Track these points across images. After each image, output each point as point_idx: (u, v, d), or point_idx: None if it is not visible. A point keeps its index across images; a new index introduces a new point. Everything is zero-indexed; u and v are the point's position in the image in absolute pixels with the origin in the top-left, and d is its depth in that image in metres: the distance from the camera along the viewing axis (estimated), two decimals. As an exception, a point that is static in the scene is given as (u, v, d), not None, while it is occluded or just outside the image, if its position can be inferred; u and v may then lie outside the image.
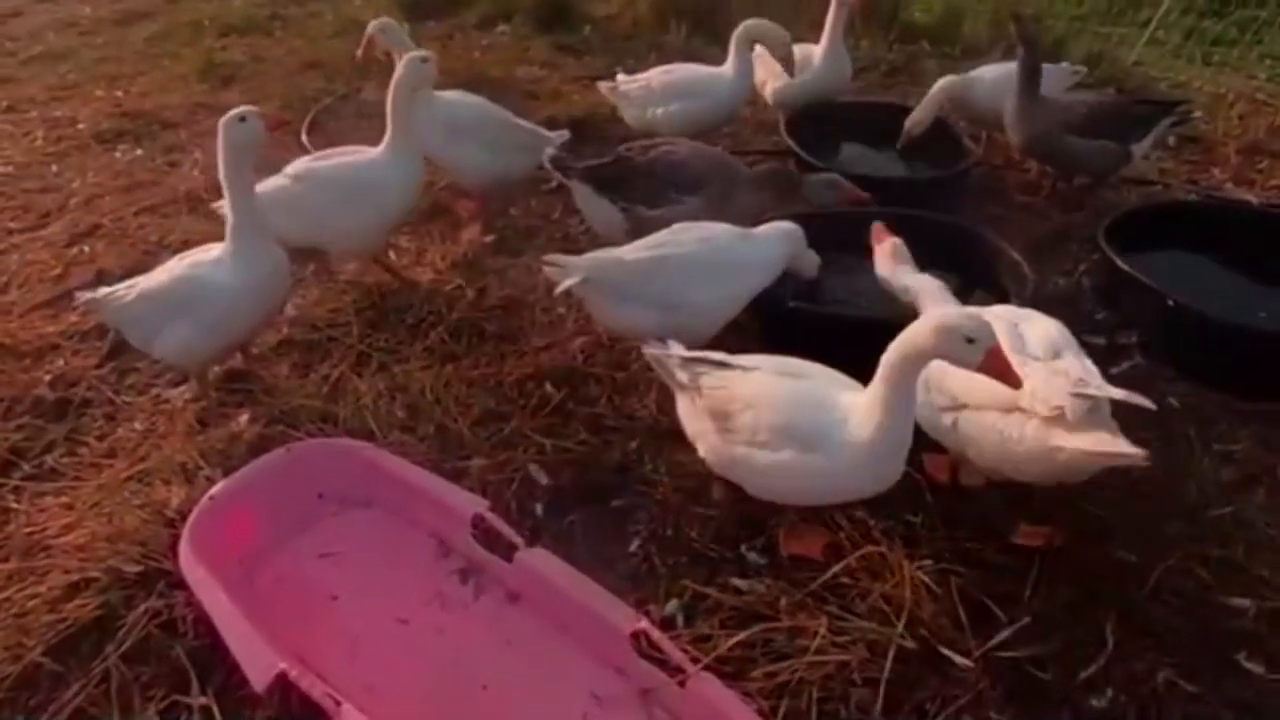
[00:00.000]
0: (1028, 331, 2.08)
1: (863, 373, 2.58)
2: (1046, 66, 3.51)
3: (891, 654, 1.85)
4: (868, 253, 2.64)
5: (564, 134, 3.52)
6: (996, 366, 1.79)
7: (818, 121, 3.87)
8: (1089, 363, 1.99)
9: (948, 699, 1.80)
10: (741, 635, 1.90)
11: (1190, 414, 2.52)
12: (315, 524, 2.24)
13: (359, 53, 3.90)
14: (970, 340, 1.78)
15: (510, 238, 3.52)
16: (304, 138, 4.43)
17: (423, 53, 2.98)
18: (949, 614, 1.93)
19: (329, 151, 3.16)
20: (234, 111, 2.50)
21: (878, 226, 2.57)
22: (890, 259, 2.47)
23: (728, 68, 3.77)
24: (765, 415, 1.96)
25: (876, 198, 3.04)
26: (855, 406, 1.92)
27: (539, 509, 2.30)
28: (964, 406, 2.05)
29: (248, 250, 2.49)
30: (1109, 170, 3.50)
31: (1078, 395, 1.84)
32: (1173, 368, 2.67)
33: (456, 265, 3.33)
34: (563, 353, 2.82)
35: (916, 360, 1.85)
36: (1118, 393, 1.87)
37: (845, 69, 4.14)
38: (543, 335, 2.94)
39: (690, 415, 2.16)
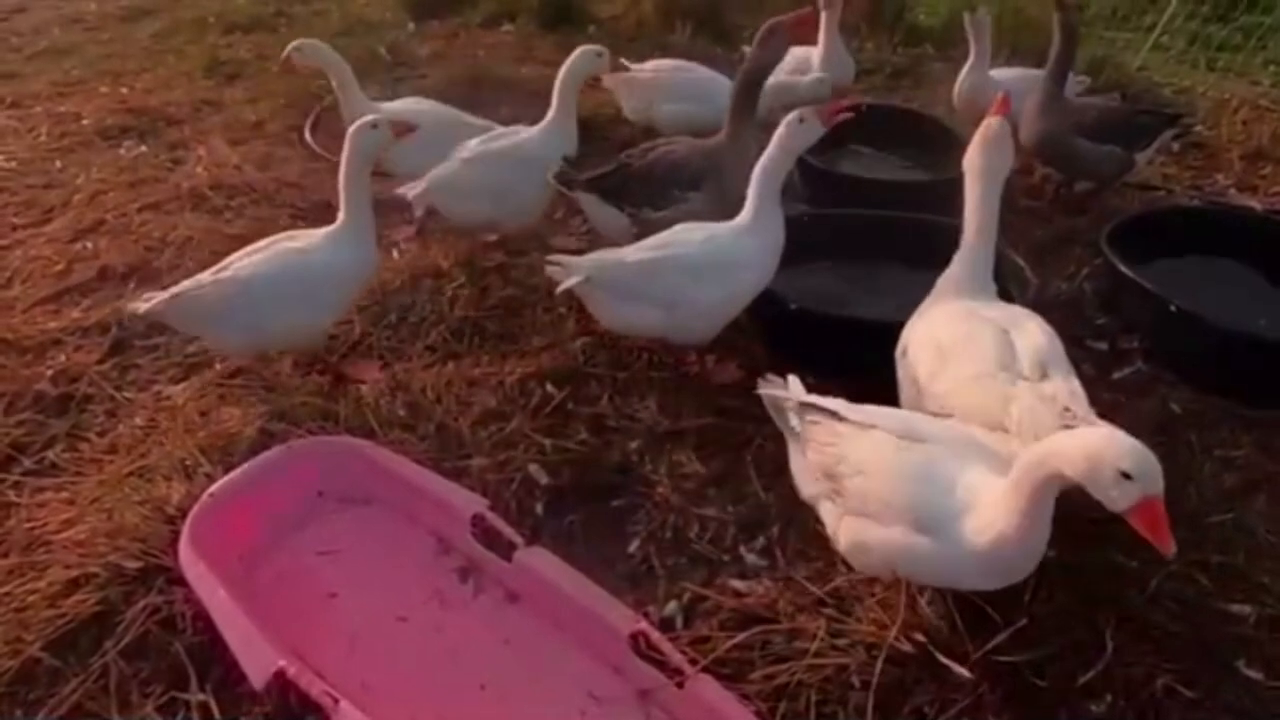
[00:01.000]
0: (1018, 341, 2.03)
1: (869, 374, 2.61)
2: (1040, 74, 3.53)
3: (889, 657, 1.85)
4: (875, 257, 2.65)
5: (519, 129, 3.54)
6: (1149, 521, 1.52)
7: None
8: (1076, 384, 1.94)
9: (945, 703, 1.79)
10: (740, 637, 1.90)
11: (1192, 420, 2.52)
12: (315, 521, 2.25)
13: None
14: (1127, 477, 1.50)
15: (513, 237, 3.52)
16: (308, 136, 4.44)
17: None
18: (947, 618, 1.92)
19: (496, 133, 3.34)
20: (365, 119, 2.67)
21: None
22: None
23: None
24: (875, 485, 1.75)
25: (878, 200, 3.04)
26: (983, 494, 1.67)
27: (539, 508, 2.30)
28: (950, 415, 2.02)
29: (356, 240, 2.66)
30: (1113, 176, 3.51)
31: (1064, 426, 1.79)
32: (1174, 373, 2.66)
33: (459, 263, 3.33)
34: (564, 353, 2.82)
35: (1057, 481, 1.60)
36: (1104, 426, 1.80)
37: (846, 71, 4.14)
38: (544, 335, 2.94)
39: (800, 469, 1.96)
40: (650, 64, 3.99)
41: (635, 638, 1.83)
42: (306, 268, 2.55)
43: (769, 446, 2.44)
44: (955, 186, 3.50)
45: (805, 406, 1.92)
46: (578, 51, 2.96)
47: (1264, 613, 1.95)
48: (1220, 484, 2.32)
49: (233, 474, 2.18)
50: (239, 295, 2.49)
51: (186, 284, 2.53)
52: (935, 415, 2.06)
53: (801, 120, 2.46)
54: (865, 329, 2.64)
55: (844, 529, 1.85)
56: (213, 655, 1.91)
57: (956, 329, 2.10)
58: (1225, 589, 2.02)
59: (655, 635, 1.84)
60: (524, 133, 3.20)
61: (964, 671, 1.82)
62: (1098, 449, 1.53)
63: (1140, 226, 3.06)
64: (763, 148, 2.58)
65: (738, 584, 2.06)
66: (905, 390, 2.18)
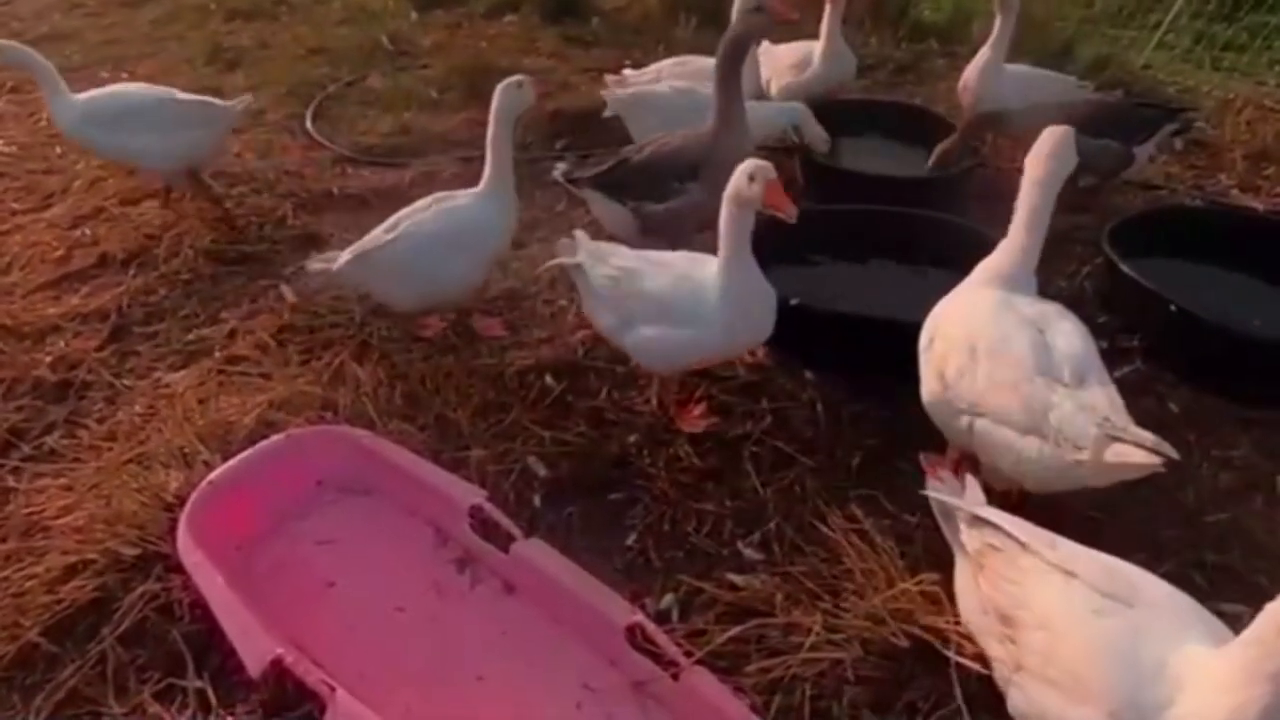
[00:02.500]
0: (1056, 344, 1.95)
1: (867, 374, 2.62)
2: (1050, 74, 3.52)
3: (885, 652, 1.86)
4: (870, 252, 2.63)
5: (246, 99, 3.56)
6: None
7: (823, 119, 3.86)
8: (1114, 391, 1.87)
9: (940, 698, 1.80)
10: (736, 630, 1.91)
11: (1190, 419, 2.52)
12: (313, 511, 2.25)
13: None
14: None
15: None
16: (309, 125, 4.43)
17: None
18: (943, 613, 1.93)
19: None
20: (511, 79, 2.73)
21: None
22: None
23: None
24: (1063, 650, 1.44)
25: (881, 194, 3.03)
26: (1198, 671, 1.37)
27: (537, 500, 2.30)
28: (982, 415, 1.99)
29: (504, 196, 2.77)
30: (1111, 170, 3.49)
31: (1106, 435, 1.75)
32: (1173, 373, 2.66)
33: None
34: (564, 345, 2.82)
35: None
36: (1146, 436, 1.74)
37: (848, 66, 4.12)
38: (544, 328, 2.94)
39: (967, 591, 1.67)
40: (652, 68, 3.94)
41: (632, 630, 1.84)
42: (470, 224, 2.69)
43: (767, 443, 2.45)
44: (957, 183, 3.54)
45: (982, 522, 1.63)
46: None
47: (1259, 612, 1.95)
48: (1217, 484, 2.33)
49: (231, 462, 2.18)
50: (413, 252, 2.63)
51: (365, 243, 2.67)
52: (962, 413, 2.03)
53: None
54: (865, 325, 2.64)
55: (1020, 688, 1.55)
56: (210, 643, 1.92)
57: (991, 327, 2.01)
58: (1221, 588, 2.02)
59: (651, 627, 1.84)
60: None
61: (970, 663, 1.82)
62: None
63: (1142, 225, 3.05)
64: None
65: (734, 578, 2.07)
66: (929, 385, 2.12)
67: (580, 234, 2.56)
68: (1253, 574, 2.04)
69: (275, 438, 2.27)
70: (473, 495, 2.13)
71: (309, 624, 1.97)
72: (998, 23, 3.77)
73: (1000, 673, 1.60)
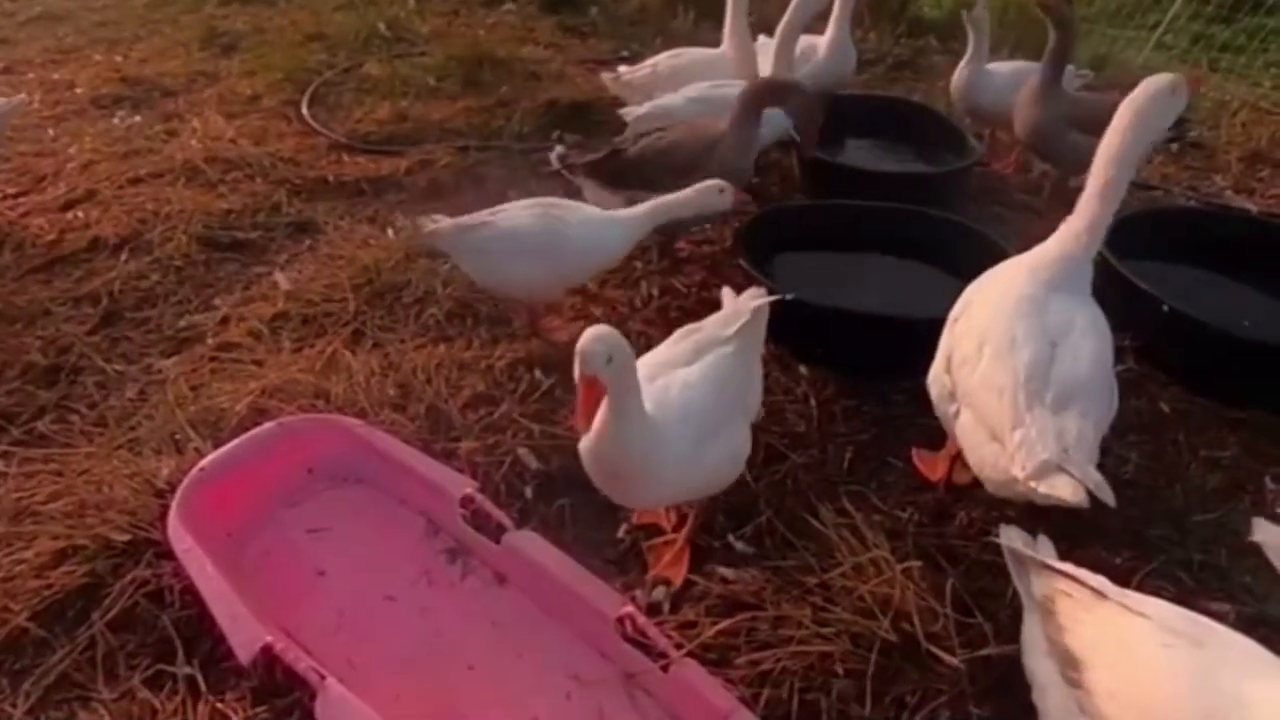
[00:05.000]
0: (1061, 361, 1.88)
1: (866, 370, 2.62)
2: (1036, 65, 3.51)
3: (874, 647, 1.86)
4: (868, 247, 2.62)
5: (20, 99, 3.49)
6: None
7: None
8: (1091, 425, 1.82)
9: (928, 693, 1.81)
10: (726, 623, 1.92)
11: (1180, 419, 2.54)
12: (305, 499, 2.24)
13: None
14: None
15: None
16: (304, 111, 4.40)
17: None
18: (933, 609, 1.94)
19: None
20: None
21: None
22: None
23: (725, 48, 3.78)
24: (1132, 686, 1.39)
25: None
26: (1275, 707, 1.30)
27: (529, 492, 2.30)
28: (968, 408, 2.00)
29: (622, 223, 2.73)
30: None
31: (1059, 469, 1.74)
32: (1165, 373, 2.68)
33: (454, 245, 3.32)
34: (550, 343, 2.82)
35: None
36: (1093, 479, 1.73)
37: (850, 61, 4.12)
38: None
39: (1033, 641, 1.61)
40: (648, 62, 3.93)
41: (622, 621, 1.84)
42: (556, 236, 2.63)
43: (759, 436, 2.45)
44: (954, 179, 3.54)
45: (1054, 571, 1.60)
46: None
47: (1243, 611, 1.97)
48: (1206, 484, 2.34)
49: (223, 449, 2.17)
50: (496, 238, 2.62)
51: (463, 219, 2.67)
52: (954, 400, 2.03)
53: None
54: (861, 321, 2.64)
55: None
56: (200, 629, 1.92)
57: (1006, 326, 1.95)
58: (1207, 588, 2.04)
59: (642, 619, 1.85)
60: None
61: (953, 660, 1.84)
62: None
63: (1137, 225, 3.06)
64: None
65: (725, 571, 2.07)
66: (938, 361, 2.11)
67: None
68: (1238, 574, 2.06)
69: (267, 425, 2.26)
70: (464, 486, 2.13)
71: (299, 612, 1.97)
72: (970, 39, 3.78)
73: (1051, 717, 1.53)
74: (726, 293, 2.27)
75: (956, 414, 2.04)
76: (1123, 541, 2.15)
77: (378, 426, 2.35)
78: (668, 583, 2.04)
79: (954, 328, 2.11)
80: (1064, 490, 1.75)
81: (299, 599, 2.01)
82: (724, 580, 2.05)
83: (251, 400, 2.50)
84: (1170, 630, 1.41)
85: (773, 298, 2.11)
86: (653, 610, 1.98)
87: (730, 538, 2.17)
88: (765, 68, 4.00)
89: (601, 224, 2.69)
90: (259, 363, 2.71)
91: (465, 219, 2.67)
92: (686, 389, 1.92)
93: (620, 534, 2.20)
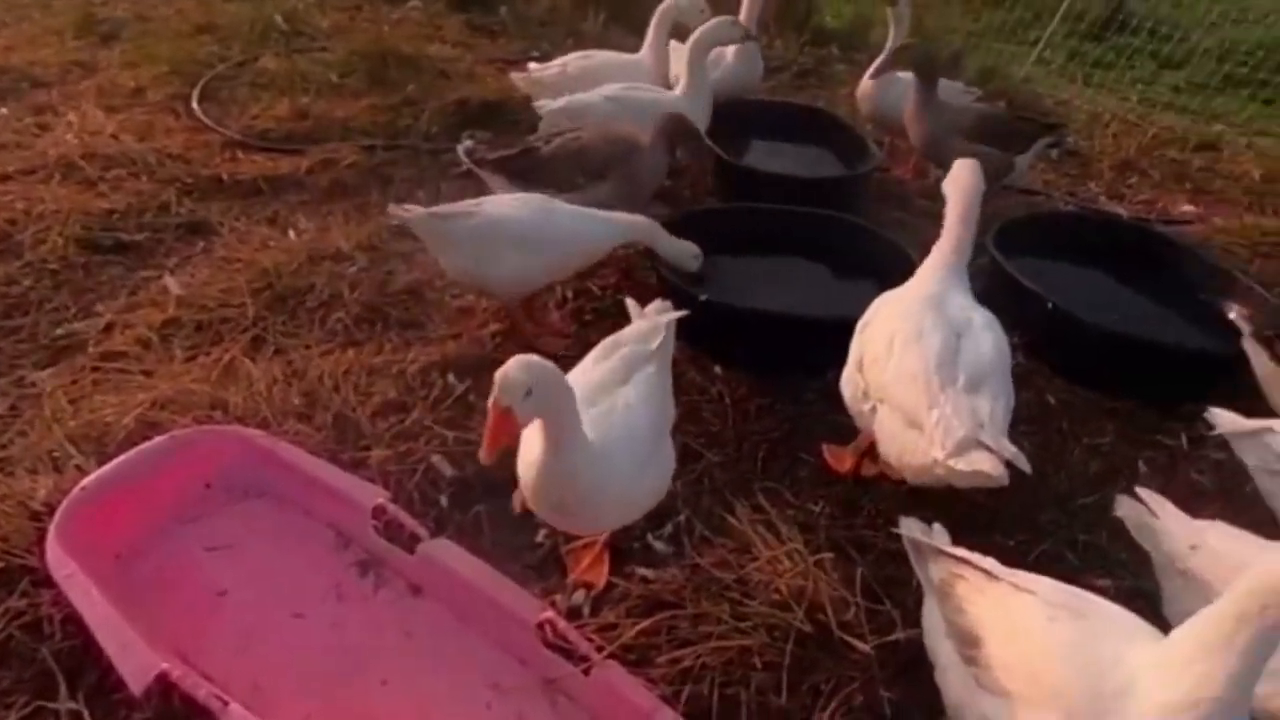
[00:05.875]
0: (966, 349, 2.06)
1: (779, 369, 2.68)
2: (943, 82, 3.71)
3: (790, 638, 1.91)
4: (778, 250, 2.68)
5: None
6: None
7: (729, 119, 3.94)
8: (1002, 406, 1.98)
9: (842, 680, 1.88)
10: (646, 623, 1.93)
11: (1064, 410, 2.72)
12: (202, 516, 2.12)
13: None
14: None
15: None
16: (195, 106, 4.17)
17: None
18: (845, 598, 2.01)
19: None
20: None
21: None
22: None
23: (644, 55, 3.83)
24: (1021, 658, 1.47)
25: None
26: (1153, 657, 1.39)
27: (444, 500, 2.25)
28: (882, 401, 2.10)
29: (603, 219, 2.72)
30: (994, 176, 3.71)
31: (978, 444, 1.87)
32: (1050, 367, 2.86)
33: (361, 247, 3.21)
34: (472, 341, 2.77)
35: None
36: (1009, 450, 1.88)
37: (757, 69, 4.22)
38: (451, 323, 2.87)
39: (934, 625, 1.69)
40: (557, 61, 3.92)
41: (542, 626, 1.83)
42: (535, 229, 2.59)
43: (677, 435, 2.47)
44: (857, 184, 3.68)
45: (948, 557, 1.68)
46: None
47: (1122, 585, 2.12)
48: (1088, 469, 2.51)
49: (108, 466, 2.03)
50: (479, 228, 2.56)
51: (442, 208, 2.60)
52: (869, 398, 2.13)
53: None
54: (774, 322, 2.71)
55: (974, 705, 1.54)
56: (85, 661, 1.78)
57: (911, 322, 2.11)
58: (1090, 565, 2.19)
59: (562, 624, 1.84)
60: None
61: (865, 647, 1.90)
62: None
63: (1021, 228, 3.26)
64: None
65: (645, 571, 2.08)
66: (850, 365, 2.23)
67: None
68: (1117, 551, 2.21)
69: (158, 439, 2.13)
70: (375, 495, 2.06)
71: (199, 636, 1.86)
72: (890, 37, 3.98)
73: (956, 698, 1.60)
74: (631, 305, 2.27)
75: (872, 411, 2.13)
76: (1015, 526, 2.28)
77: (281, 437, 2.25)
78: (589, 586, 2.04)
79: (864, 333, 2.24)
80: (983, 464, 1.85)
81: (199, 621, 1.90)
82: (644, 580, 2.06)
83: (140, 413, 2.34)
84: (1055, 605, 1.51)
85: (680, 312, 2.13)
86: (573, 614, 1.97)
87: (649, 538, 2.19)
88: (674, 70, 4.05)
89: (591, 220, 2.69)
90: (148, 373, 2.54)
91: (443, 208, 2.61)
92: (628, 412, 1.89)
93: (539, 539, 2.18)
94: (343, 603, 1.99)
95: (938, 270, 2.27)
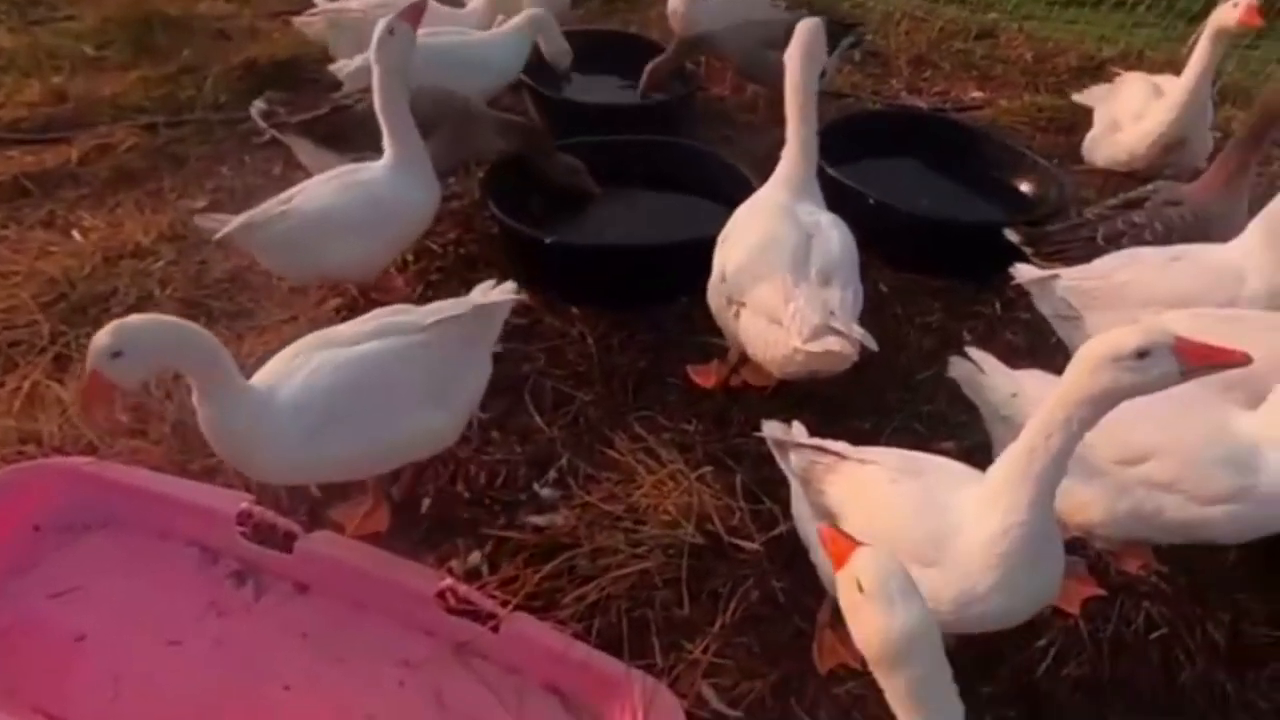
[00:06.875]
0: (816, 248, 2.20)
1: (631, 303, 2.71)
2: None
3: (685, 552, 2.00)
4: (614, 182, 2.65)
5: None
6: (1199, 353, 1.38)
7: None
8: (851, 295, 2.14)
9: (737, 580, 2.00)
10: (547, 568, 1.95)
11: (896, 295, 2.94)
12: (38, 563, 1.92)
13: None
14: (1144, 354, 1.37)
15: (226, 201, 3.12)
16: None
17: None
18: (729, 506, 2.12)
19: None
20: (382, 23, 2.38)
21: None
22: None
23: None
24: (873, 524, 1.61)
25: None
26: (975, 497, 1.55)
27: (315, 490, 2.14)
28: (744, 304, 2.21)
29: (413, 169, 2.48)
30: None
31: (830, 329, 2.02)
32: (879, 258, 3.07)
33: (165, 239, 2.91)
34: (311, 323, 2.60)
35: (1070, 420, 1.43)
36: (858, 332, 2.05)
37: (564, -4, 4.11)
38: (285, 306, 2.68)
39: (802, 513, 1.83)
40: (355, 2, 3.63)
41: (443, 595, 1.81)
42: (371, 202, 2.40)
43: (546, 382, 2.47)
44: (682, 107, 3.71)
45: (807, 448, 1.81)
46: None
47: (963, 444, 2.36)
48: (923, 346, 2.75)
49: (-95, 529, 1.78)
50: (303, 230, 2.34)
51: (256, 212, 2.35)
52: (733, 303, 2.22)
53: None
54: (621, 254, 2.73)
55: None
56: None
57: (765, 226, 2.26)
58: (935, 432, 2.42)
59: (463, 588, 1.83)
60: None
61: (754, 545, 2.03)
62: (1103, 355, 1.39)
63: (835, 132, 3.42)
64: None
65: (536, 519, 2.10)
66: (714, 275, 2.32)
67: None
68: (957, 415, 2.45)
69: (-38, 489, 1.88)
70: (238, 501, 1.94)
71: (61, 687, 1.70)
72: None
73: (825, 571, 1.72)
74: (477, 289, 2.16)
75: (737, 315, 2.25)
76: (867, 409, 2.47)
77: (113, 460, 2.05)
78: (375, 534, 2.00)
79: (724, 244, 2.35)
80: (834, 345, 2.03)
81: (58, 673, 1.74)
82: (536, 529, 2.08)
83: (-68, 463, 2.05)
84: (895, 470, 1.69)
85: (505, 297, 2.06)
86: (473, 576, 1.96)
87: (535, 486, 2.20)
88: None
89: (410, 178, 2.46)
90: (-69, 417, 2.22)
91: (256, 213, 2.34)
92: (318, 373, 1.80)
93: (423, 510, 2.14)
94: (224, 618, 1.87)
95: (789, 179, 2.39)
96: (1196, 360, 1.37)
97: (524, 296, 2.14)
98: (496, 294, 2.09)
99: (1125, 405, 1.44)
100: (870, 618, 1.17)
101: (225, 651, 1.82)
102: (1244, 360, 1.37)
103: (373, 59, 2.38)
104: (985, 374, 2.03)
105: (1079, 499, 1.83)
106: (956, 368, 2.09)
